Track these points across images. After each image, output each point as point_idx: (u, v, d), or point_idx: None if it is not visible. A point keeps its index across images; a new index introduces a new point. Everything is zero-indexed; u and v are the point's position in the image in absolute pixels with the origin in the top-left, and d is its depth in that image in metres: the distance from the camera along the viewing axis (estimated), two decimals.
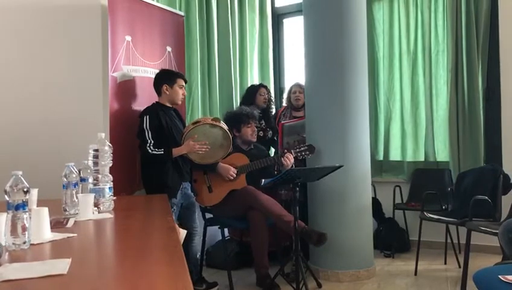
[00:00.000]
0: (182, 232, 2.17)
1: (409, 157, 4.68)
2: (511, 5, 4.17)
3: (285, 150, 3.66)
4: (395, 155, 4.77)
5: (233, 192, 3.58)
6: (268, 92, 4.63)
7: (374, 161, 4.60)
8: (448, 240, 3.97)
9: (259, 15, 5.30)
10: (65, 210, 2.09)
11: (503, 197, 3.54)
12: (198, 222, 3.58)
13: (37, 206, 1.84)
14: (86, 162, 2.31)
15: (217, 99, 4.71)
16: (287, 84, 5.13)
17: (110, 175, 2.33)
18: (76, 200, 2.09)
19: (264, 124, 4.40)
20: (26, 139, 3.18)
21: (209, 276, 3.68)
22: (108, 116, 3.29)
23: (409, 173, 4.65)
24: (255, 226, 3.48)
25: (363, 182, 3.74)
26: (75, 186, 2.10)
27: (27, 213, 1.50)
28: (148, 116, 3.26)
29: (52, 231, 1.67)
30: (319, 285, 3.47)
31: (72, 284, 1.17)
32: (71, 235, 1.68)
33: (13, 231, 1.46)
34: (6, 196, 1.48)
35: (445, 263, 4.01)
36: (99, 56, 3.37)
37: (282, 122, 4.28)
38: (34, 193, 2.07)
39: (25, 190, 1.49)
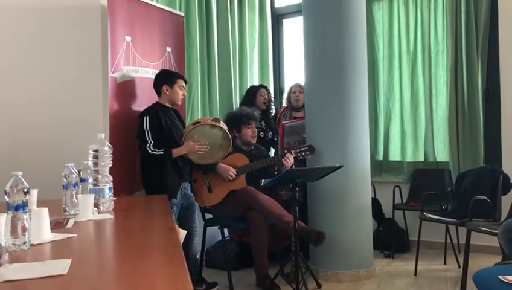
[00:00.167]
0: (182, 233, 2.18)
1: (409, 158, 4.68)
2: (511, 5, 4.17)
3: (286, 151, 3.66)
4: (394, 155, 4.78)
5: (233, 192, 3.59)
6: (269, 92, 4.63)
7: (374, 161, 4.60)
8: (448, 240, 3.97)
9: (259, 15, 5.30)
10: (65, 211, 2.09)
11: (502, 197, 3.54)
12: (198, 223, 3.58)
13: (37, 207, 1.84)
14: (86, 162, 2.31)
15: (217, 100, 4.72)
16: (287, 85, 5.14)
17: (110, 176, 2.33)
18: (76, 201, 2.09)
19: (264, 124, 4.40)
20: (26, 139, 3.18)
21: (209, 276, 3.68)
22: (108, 117, 3.30)
23: (408, 173, 4.65)
24: (254, 227, 3.48)
25: (363, 182, 3.75)
26: (75, 187, 2.11)
27: (27, 214, 1.50)
28: (148, 117, 3.26)
29: (52, 232, 1.67)
30: (319, 285, 3.47)
31: (72, 285, 1.17)
32: (71, 235, 1.68)
33: (13, 232, 1.47)
34: (6, 197, 1.48)
35: (445, 263, 4.01)
36: (99, 57, 3.38)
37: (283, 122, 4.28)
38: (34, 194, 2.08)
39: (25, 190, 1.49)
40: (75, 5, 3.38)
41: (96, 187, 2.27)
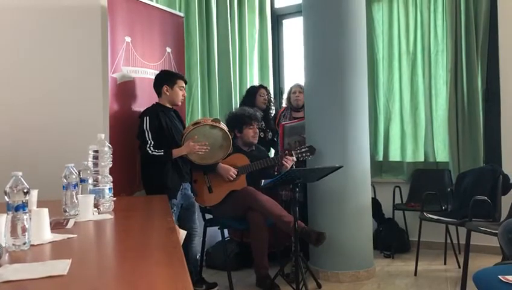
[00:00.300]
0: (182, 233, 2.18)
1: (409, 158, 4.68)
2: (511, 5, 4.17)
3: (286, 151, 3.66)
4: (394, 156, 4.78)
5: (233, 192, 3.59)
6: (268, 93, 4.63)
7: (374, 162, 4.60)
8: (448, 241, 3.97)
9: (259, 16, 5.31)
10: (65, 211, 2.09)
11: (502, 197, 3.54)
12: (198, 223, 3.58)
13: (37, 207, 1.84)
14: (86, 163, 2.31)
15: (217, 100, 4.72)
16: (287, 85, 5.14)
17: (109, 176, 2.33)
18: (76, 201, 2.09)
19: (263, 125, 4.41)
20: (26, 140, 3.18)
21: (209, 277, 3.68)
22: (108, 117, 3.30)
23: (408, 173, 4.65)
24: (254, 227, 3.48)
25: (363, 182, 3.75)
26: (75, 187, 2.10)
27: (27, 214, 1.50)
28: (148, 117, 3.27)
29: (52, 232, 1.67)
30: (319, 285, 3.47)
31: (72, 285, 1.17)
32: (71, 236, 1.68)
33: (13, 232, 1.46)
34: (6, 197, 1.48)
35: (445, 264, 4.01)
36: (98, 57, 3.38)
37: (283, 123, 4.28)
38: (34, 194, 2.08)
39: (25, 190, 1.49)
40: (75, 5, 3.38)
41: (96, 187, 2.27)
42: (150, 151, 3.21)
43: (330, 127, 3.69)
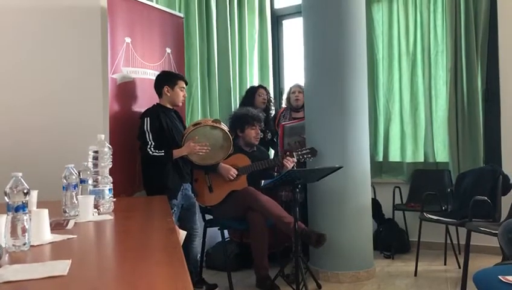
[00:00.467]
0: (182, 234, 2.18)
1: (409, 158, 4.68)
2: (510, 6, 4.17)
3: (287, 153, 3.67)
4: (394, 156, 4.78)
5: (234, 193, 3.59)
6: (268, 93, 4.63)
7: (374, 162, 4.60)
8: (448, 241, 3.97)
9: (259, 16, 5.31)
10: (65, 212, 2.09)
11: (502, 197, 3.54)
12: (199, 224, 3.58)
13: (37, 208, 1.84)
14: (86, 163, 2.31)
15: (217, 101, 4.72)
16: (287, 86, 5.14)
17: (109, 177, 2.33)
18: (76, 202, 2.09)
19: (263, 125, 4.40)
20: (26, 140, 3.18)
21: (209, 277, 3.68)
22: (108, 118, 3.30)
23: (408, 173, 4.65)
24: (255, 228, 3.48)
25: (363, 183, 3.74)
26: (74, 188, 2.10)
27: (27, 215, 1.50)
28: (148, 118, 3.27)
29: (52, 233, 1.67)
30: (319, 286, 3.47)
31: (72, 285, 1.17)
32: (71, 236, 1.68)
33: (13, 233, 1.46)
34: (6, 198, 1.48)
35: (445, 264, 4.01)
36: (98, 58, 3.38)
37: (283, 123, 4.28)
38: (34, 195, 2.07)
39: (25, 191, 1.48)
40: (74, 6, 3.38)
41: (96, 188, 2.27)
42: (150, 152, 3.21)
43: (330, 128, 3.69)
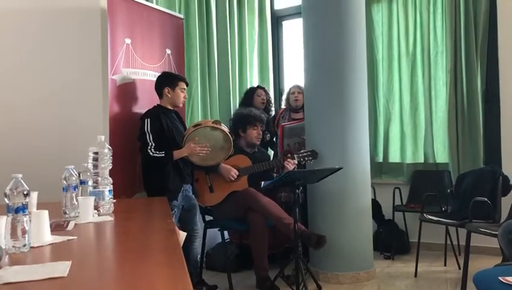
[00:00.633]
0: (182, 235, 2.18)
1: (409, 159, 4.68)
2: (510, 6, 4.17)
3: (288, 155, 3.67)
4: (394, 157, 4.78)
5: (234, 193, 3.59)
6: (267, 93, 4.63)
7: (374, 163, 4.60)
8: (448, 242, 3.97)
9: (259, 17, 5.31)
10: (65, 213, 2.09)
11: (502, 198, 3.54)
12: (199, 224, 3.58)
13: (37, 209, 1.84)
14: (86, 164, 2.31)
15: (217, 102, 4.72)
16: (287, 87, 5.14)
17: (109, 178, 2.33)
18: (76, 203, 2.09)
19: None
20: (26, 141, 3.18)
21: (209, 278, 3.68)
22: (108, 119, 3.30)
23: (408, 174, 4.65)
24: (255, 228, 3.48)
25: (363, 183, 3.74)
26: (75, 189, 2.10)
27: (27, 216, 1.50)
28: (149, 119, 3.27)
29: (52, 234, 1.67)
30: (319, 287, 3.46)
31: (72, 287, 1.17)
32: (71, 237, 1.68)
33: (13, 234, 1.46)
34: (6, 199, 1.48)
35: (445, 265, 4.01)
36: (98, 59, 3.38)
37: (282, 124, 4.28)
38: (34, 196, 2.08)
39: (25, 192, 1.49)
40: (75, 7, 3.38)
41: (96, 189, 2.27)
42: (151, 153, 3.21)
43: (330, 128, 3.69)
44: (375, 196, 4.61)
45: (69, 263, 1.29)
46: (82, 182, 2.23)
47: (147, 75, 3.68)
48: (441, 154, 4.56)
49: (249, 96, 4.54)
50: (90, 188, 2.28)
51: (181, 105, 3.51)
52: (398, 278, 3.74)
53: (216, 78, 4.73)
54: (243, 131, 3.79)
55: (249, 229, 3.53)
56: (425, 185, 4.35)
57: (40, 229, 1.61)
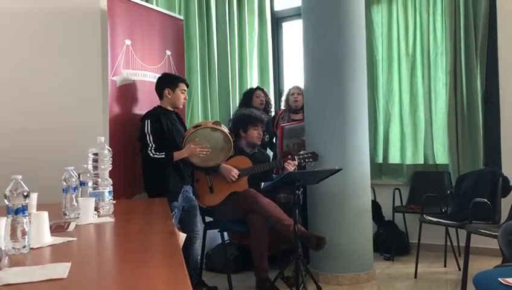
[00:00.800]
0: (182, 236, 2.18)
1: (408, 160, 4.68)
2: (510, 8, 4.18)
3: (289, 156, 3.67)
4: (394, 158, 4.78)
5: (234, 194, 3.59)
6: (266, 94, 4.64)
7: (374, 164, 4.60)
8: (448, 243, 3.97)
9: (259, 19, 5.32)
10: (65, 214, 2.09)
11: (502, 199, 3.54)
12: (200, 226, 3.58)
13: (37, 210, 1.84)
14: (86, 166, 2.31)
15: (217, 103, 4.73)
16: (287, 88, 5.14)
17: (109, 179, 2.33)
18: (76, 204, 2.09)
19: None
20: (26, 143, 3.18)
21: (209, 280, 3.67)
22: (108, 120, 3.30)
23: (408, 175, 4.65)
24: (255, 229, 3.48)
25: (363, 185, 3.75)
26: (74, 190, 2.10)
27: (27, 217, 1.50)
28: (149, 120, 3.27)
29: (52, 235, 1.67)
30: (319, 288, 3.44)
31: (72, 288, 1.17)
32: (71, 239, 1.68)
33: (13, 235, 1.47)
34: (6, 200, 1.48)
35: (445, 266, 4.01)
36: (98, 60, 3.38)
37: (282, 124, 4.28)
38: (34, 197, 2.08)
39: (25, 194, 1.49)
40: (75, 8, 3.39)
41: (96, 191, 2.27)
42: (151, 154, 3.21)
43: (330, 129, 3.69)
44: (375, 197, 4.61)
45: (68, 264, 1.29)
46: (82, 183, 2.23)
47: (147, 76, 3.68)
48: (441, 155, 4.56)
49: (248, 97, 4.55)
50: (90, 189, 2.28)
51: (181, 106, 3.51)
52: (398, 279, 3.74)
53: (216, 79, 4.73)
54: (243, 131, 3.79)
55: (248, 230, 3.53)
56: (425, 186, 4.35)
57: (39, 230, 1.61)
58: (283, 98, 4.64)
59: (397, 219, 4.52)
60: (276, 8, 5.55)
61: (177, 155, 3.27)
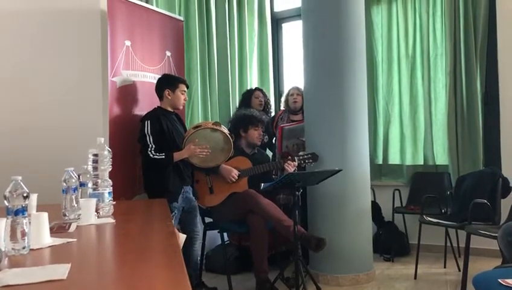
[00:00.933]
0: (181, 237, 2.18)
1: (408, 161, 4.68)
2: (509, 8, 4.18)
3: (289, 157, 3.67)
4: (394, 159, 4.78)
5: (234, 195, 3.59)
6: (265, 95, 4.64)
7: (373, 165, 4.60)
8: (448, 244, 3.97)
9: (258, 20, 5.32)
10: (65, 215, 2.09)
11: (502, 200, 3.54)
12: (200, 226, 3.58)
13: (37, 211, 1.84)
14: (86, 167, 2.31)
15: (217, 104, 4.73)
16: (287, 89, 5.14)
17: (109, 180, 2.33)
18: (75, 205, 2.09)
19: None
20: (26, 143, 3.18)
21: (209, 280, 3.67)
22: (107, 121, 3.30)
23: (408, 176, 4.65)
24: (255, 230, 3.48)
25: (363, 185, 3.75)
26: (74, 191, 2.10)
27: (26, 218, 1.50)
28: (149, 121, 3.27)
29: (53, 236, 1.67)
30: (319, 289, 3.46)
31: (72, 289, 1.17)
32: (70, 240, 1.68)
33: (13, 236, 1.46)
34: (5, 201, 1.48)
35: (445, 267, 4.01)
36: (98, 61, 3.39)
37: (282, 125, 4.28)
38: (34, 198, 2.08)
39: (25, 195, 1.49)
40: (75, 9, 3.39)
41: (96, 191, 2.27)
42: (151, 155, 3.21)
43: (329, 130, 3.69)
44: (375, 198, 4.61)
45: (68, 265, 1.29)
46: (82, 184, 2.23)
47: (146, 77, 3.69)
48: (441, 156, 4.56)
49: (247, 98, 4.55)
50: (90, 190, 2.27)
51: (181, 107, 3.51)
52: (398, 280, 3.74)
53: (216, 80, 4.73)
54: (244, 131, 3.79)
55: (248, 231, 3.53)
56: (425, 187, 4.35)
57: (39, 231, 1.61)
58: (282, 98, 4.64)
59: (397, 219, 4.52)
60: (276, 9, 5.56)
61: (177, 156, 3.27)
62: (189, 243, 3.25)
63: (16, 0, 3.29)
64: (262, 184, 3.74)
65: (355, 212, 3.68)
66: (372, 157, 4.66)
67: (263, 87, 5.00)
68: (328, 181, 3.35)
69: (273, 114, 4.70)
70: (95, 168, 2.31)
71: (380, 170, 4.80)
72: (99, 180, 2.31)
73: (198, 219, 3.57)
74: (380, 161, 4.80)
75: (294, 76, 5.25)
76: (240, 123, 3.81)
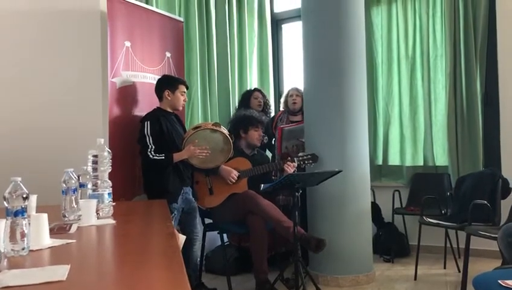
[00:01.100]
0: (181, 238, 2.18)
1: (408, 162, 4.68)
2: (509, 9, 4.19)
3: (288, 157, 3.67)
4: (394, 160, 4.78)
5: (234, 195, 3.59)
6: (264, 96, 4.63)
7: (373, 166, 4.60)
8: (448, 245, 3.97)
9: (258, 20, 5.32)
10: (64, 216, 2.08)
11: (502, 201, 3.54)
12: (200, 227, 3.58)
13: (36, 212, 1.84)
14: (85, 167, 2.31)
15: (217, 104, 4.73)
16: (286, 89, 5.14)
17: (109, 181, 2.33)
18: (75, 206, 2.09)
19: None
20: (25, 144, 3.18)
21: (209, 281, 3.67)
22: (107, 122, 3.30)
23: (408, 177, 4.65)
24: (255, 231, 3.48)
25: (362, 186, 3.74)
26: (74, 192, 2.10)
27: (26, 219, 1.50)
28: (148, 122, 3.27)
29: (54, 237, 1.67)
30: None
31: None
32: (70, 241, 1.68)
33: (12, 237, 1.46)
34: (5, 202, 1.47)
35: (445, 268, 4.01)
36: (98, 61, 3.39)
37: (281, 126, 4.28)
38: (33, 199, 2.07)
39: (24, 196, 1.48)
40: (74, 10, 3.39)
41: (96, 192, 2.27)
42: (150, 156, 3.21)
43: (329, 131, 3.69)
44: (375, 199, 4.61)
45: (68, 266, 1.29)
46: (81, 185, 2.23)
47: (146, 78, 3.68)
48: (441, 157, 4.56)
49: (246, 98, 4.55)
50: (90, 191, 2.27)
51: (181, 108, 3.52)
52: (398, 281, 3.73)
53: (216, 81, 4.73)
54: (244, 132, 3.79)
55: (248, 232, 3.53)
56: (424, 188, 4.35)
57: (39, 232, 1.61)
58: (282, 99, 4.64)
59: (397, 220, 4.52)
60: (276, 9, 5.56)
61: (177, 157, 3.27)
62: (189, 244, 3.25)
63: (16, 1, 3.29)
64: (262, 185, 3.74)
65: (355, 213, 3.67)
66: (372, 158, 4.66)
67: (263, 88, 5.00)
68: (328, 182, 3.35)
69: (272, 115, 4.70)
70: (95, 169, 2.31)
71: (380, 171, 4.80)
72: (99, 181, 2.31)
73: (198, 219, 3.57)
74: (379, 161, 4.80)
75: (294, 77, 5.25)
76: (240, 124, 3.82)
